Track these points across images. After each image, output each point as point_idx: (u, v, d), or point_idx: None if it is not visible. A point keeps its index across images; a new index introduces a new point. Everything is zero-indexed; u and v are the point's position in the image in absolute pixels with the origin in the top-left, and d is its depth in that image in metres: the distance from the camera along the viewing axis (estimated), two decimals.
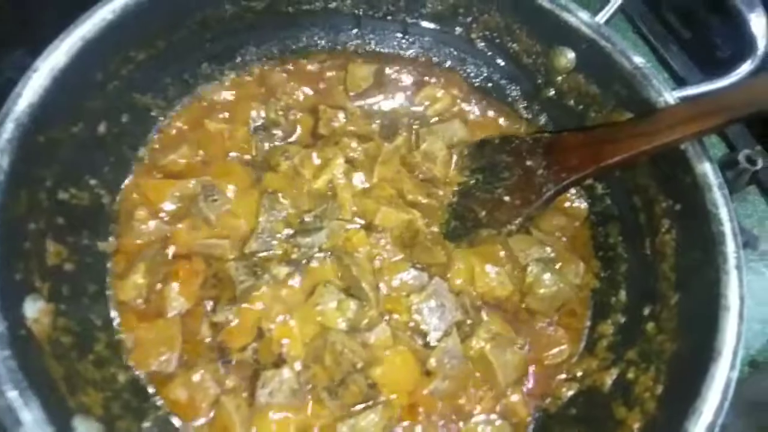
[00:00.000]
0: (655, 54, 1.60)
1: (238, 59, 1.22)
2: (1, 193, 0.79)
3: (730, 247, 0.88)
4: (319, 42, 1.27)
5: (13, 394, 0.68)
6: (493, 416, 0.97)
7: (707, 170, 0.94)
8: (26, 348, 0.74)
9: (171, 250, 1.02)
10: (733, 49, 1.48)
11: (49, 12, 1.33)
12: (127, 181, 1.07)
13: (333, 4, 1.21)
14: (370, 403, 0.93)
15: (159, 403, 0.91)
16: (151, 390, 0.92)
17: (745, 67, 1.06)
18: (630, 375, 0.94)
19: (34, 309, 0.80)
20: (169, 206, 1.05)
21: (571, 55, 1.13)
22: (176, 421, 0.91)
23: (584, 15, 1.08)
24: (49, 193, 0.90)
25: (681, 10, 1.70)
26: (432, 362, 0.97)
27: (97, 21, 0.94)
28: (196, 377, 0.91)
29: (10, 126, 0.83)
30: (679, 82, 1.54)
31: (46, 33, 1.32)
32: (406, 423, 0.94)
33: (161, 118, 1.14)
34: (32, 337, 0.78)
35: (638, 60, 1.04)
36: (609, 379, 0.97)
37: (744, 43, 1.10)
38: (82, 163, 0.98)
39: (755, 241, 1.31)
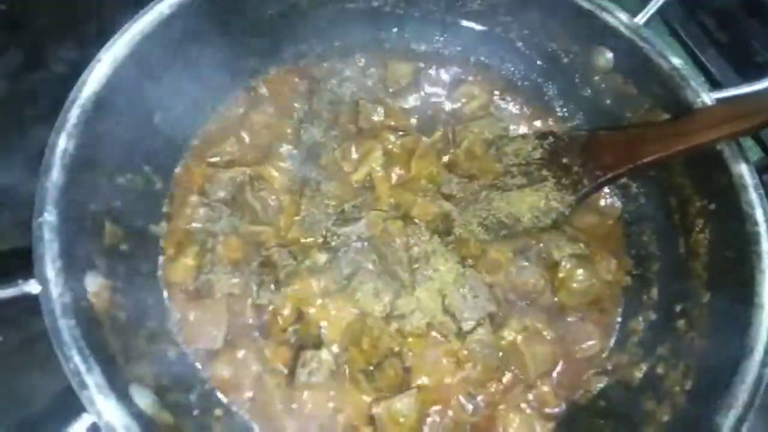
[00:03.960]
0: (692, 58, 1.60)
1: (284, 55, 1.26)
2: (68, 175, 0.84)
3: (765, 247, 0.89)
4: (360, 39, 1.30)
5: (78, 359, 0.73)
6: (523, 405, 0.99)
7: (743, 171, 0.95)
8: (88, 319, 0.80)
9: (219, 235, 1.06)
10: None
11: (94, 8, 1.40)
12: (179, 169, 1.13)
13: (375, 3, 1.25)
14: (405, 387, 0.97)
15: (205, 377, 0.96)
16: (198, 365, 0.97)
17: None
18: (660, 370, 0.96)
19: (94, 284, 0.85)
20: (218, 194, 1.10)
21: (609, 55, 1.14)
22: (221, 396, 0.96)
23: (623, 16, 1.10)
24: (107, 176, 0.96)
25: (718, 14, 1.69)
26: (464, 351, 1.00)
27: (155, 15, 1.00)
28: (239, 355, 0.96)
29: (76, 112, 0.89)
30: (716, 86, 1.53)
31: (90, 29, 1.39)
32: (438, 407, 0.97)
33: (211, 110, 1.19)
34: (93, 310, 0.83)
35: (676, 61, 1.06)
36: (639, 373, 0.99)
37: None
38: (138, 150, 1.03)
39: None
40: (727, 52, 1.62)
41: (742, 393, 0.80)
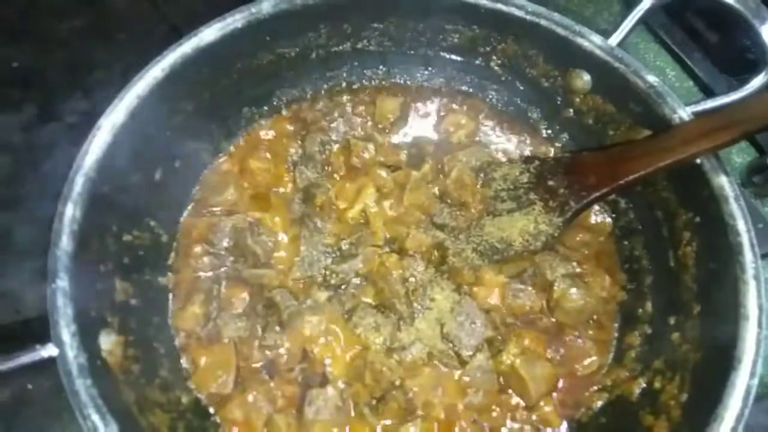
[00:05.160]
0: (679, 63, 1.62)
1: (275, 101, 1.32)
2: (77, 242, 0.89)
3: (748, 257, 0.91)
4: (348, 79, 1.36)
5: (95, 418, 0.79)
6: (527, 427, 1.02)
7: (724, 183, 0.97)
8: (103, 376, 0.85)
9: (224, 282, 1.12)
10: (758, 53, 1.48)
11: (102, 60, 1.48)
12: (182, 220, 1.19)
13: (360, 45, 1.30)
14: (409, 417, 1.00)
15: (218, 422, 1.01)
16: (211, 410, 1.02)
17: (759, 80, 1.09)
18: (657, 384, 0.98)
19: (107, 342, 0.91)
20: (220, 242, 1.15)
21: (586, 77, 1.18)
22: None
23: (597, 39, 1.13)
24: (114, 236, 1.01)
25: (707, 12, 1.70)
26: (465, 377, 1.03)
27: (149, 79, 1.05)
28: (250, 398, 1.01)
29: (80, 180, 0.94)
30: (705, 89, 1.55)
31: (99, 79, 1.47)
32: None
33: (210, 160, 1.25)
34: (107, 367, 0.89)
35: (652, 79, 1.08)
36: (637, 388, 1.01)
37: (758, 54, 1.13)
38: (142, 207, 1.09)
39: None
40: (716, 54, 1.63)
41: (732, 405, 0.82)
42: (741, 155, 1.42)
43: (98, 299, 0.93)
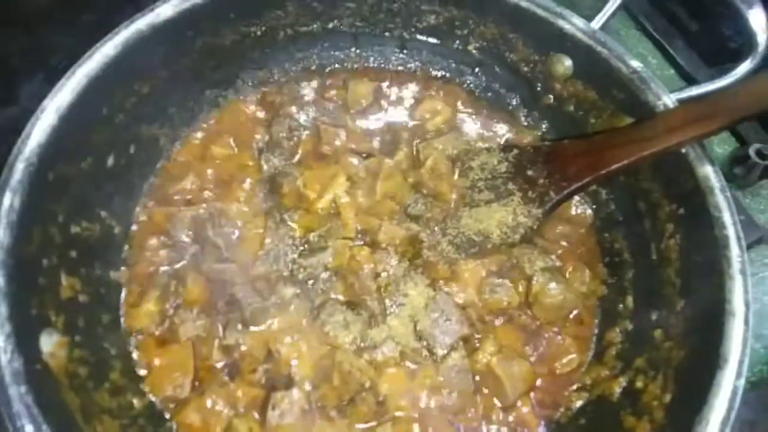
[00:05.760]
0: (660, 51, 1.58)
1: (240, 84, 1.25)
2: (14, 233, 0.81)
3: (734, 251, 0.87)
4: (318, 61, 1.29)
5: (29, 429, 0.71)
6: (504, 429, 0.97)
7: (709, 173, 0.94)
8: (42, 382, 0.77)
9: (182, 277, 1.04)
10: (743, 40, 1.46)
11: (63, 39, 1.39)
12: (137, 211, 1.11)
13: (330, 25, 1.23)
14: (381, 420, 0.95)
15: (174, 427, 0.94)
16: (166, 415, 0.95)
17: (746, 66, 1.05)
18: (639, 383, 0.94)
19: (49, 343, 0.83)
20: (178, 233, 1.08)
21: (568, 62, 1.13)
22: None
23: (579, 21, 1.09)
24: (61, 228, 0.93)
25: (688, 2, 1.67)
26: (439, 377, 0.98)
27: (100, 58, 0.97)
28: (208, 401, 0.93)
29: (20, 166, 0.86)
30: (686, 77, 1.52)
31: (58, 62, 1.38)
32: None
33: (168, 147, 1.17)
34: (49, 371, 0.81)
35: (635, 64, 1.05)
36: (618, 387, 0.97)
37: (744, 41, 1.09)
38: (93, 196, 1.01)
39: None
40: (697, 42, 1.60)
41: (718, 407, 0.78)
42: (722, 146, 1.39)
43: (40, 296, 0.86)
